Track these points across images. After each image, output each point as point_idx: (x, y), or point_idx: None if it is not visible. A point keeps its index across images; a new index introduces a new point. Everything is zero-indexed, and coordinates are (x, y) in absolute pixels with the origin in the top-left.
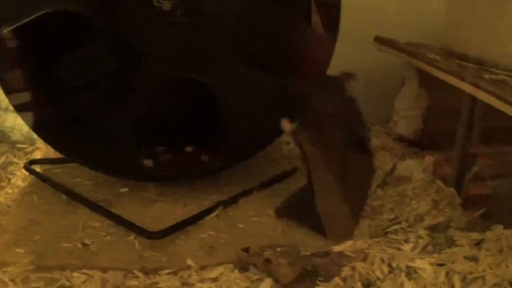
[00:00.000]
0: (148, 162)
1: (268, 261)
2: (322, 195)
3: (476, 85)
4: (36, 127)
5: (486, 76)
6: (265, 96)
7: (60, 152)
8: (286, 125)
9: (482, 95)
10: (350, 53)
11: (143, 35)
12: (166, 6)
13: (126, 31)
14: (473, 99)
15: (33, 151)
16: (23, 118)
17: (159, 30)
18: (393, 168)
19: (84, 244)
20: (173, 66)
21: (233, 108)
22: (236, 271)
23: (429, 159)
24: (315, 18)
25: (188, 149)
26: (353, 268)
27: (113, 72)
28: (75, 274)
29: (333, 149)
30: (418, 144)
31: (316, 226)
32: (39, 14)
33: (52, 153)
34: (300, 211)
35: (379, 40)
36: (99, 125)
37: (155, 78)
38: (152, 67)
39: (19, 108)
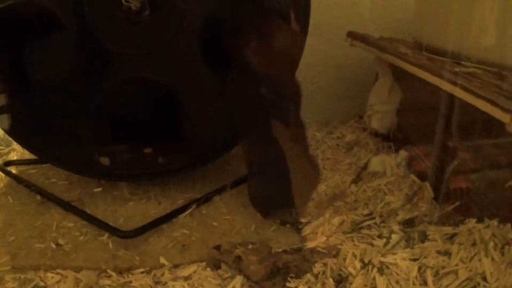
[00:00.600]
0: (104, 160)
1: (239, 258)
2: (294, 172)
3: (444, 78)
4: (4, 126)
5: (457, 69)
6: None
7: (29, 151)
8: None
9: (449, 88)
10: (322, 48)
11: (110, 33)
12: (135, 5)
13: (92, 29)
14: (447, 93)
15: (8, 152)
16: None
17: (126, 29)
18: (367, 163)
19: (57, 244)
20: (136, 65)
21: (195, 110)
22: (208, 269)
23: (403, 153)
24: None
25: (147, 150)
26: (325, 264)
27: (76, 70)
28: (49, 274)
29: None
30: (392, 139)
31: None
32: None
33: (27, 154)
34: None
35: (352, 35)
36: (62, 123)
37: (118, 77)
38: (116, 66)
39: None
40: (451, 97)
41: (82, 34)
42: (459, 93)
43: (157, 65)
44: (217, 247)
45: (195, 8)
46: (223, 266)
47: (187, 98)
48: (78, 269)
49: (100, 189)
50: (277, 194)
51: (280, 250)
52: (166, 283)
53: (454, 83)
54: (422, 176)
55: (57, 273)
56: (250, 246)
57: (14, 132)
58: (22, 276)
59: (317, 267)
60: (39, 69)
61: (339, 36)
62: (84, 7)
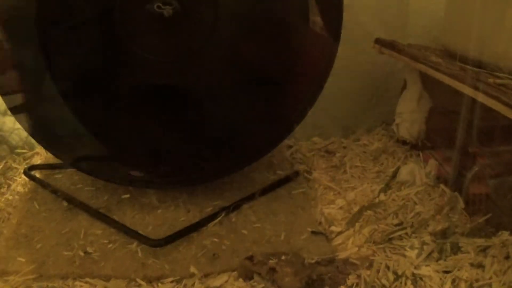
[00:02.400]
0: (135, 172)
1: (273, 270)
2: None
3: (481, 91)
4: (32, 131)
5: (490, 80)
6: (264, 102)
7: (57, 157)
8: None
9: (486, 100)
10: (348, 54)
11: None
12: (167, 12)
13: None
14: (474, 99)
15: (32, 156)
16: (19, 121)
17: (159, 36)
18: (396, 172)
19: (86, 252)
20: (168, 72)
21: (231, 115)
22: (240, 279)
23: (432, 162)
24: (315, 18)
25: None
26: (359, 276)
27: (107, 76)
28: (77, 283)
29: None
30: (420, 147)
31: None
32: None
33: (51, 158)
34: None
35: (380, 42)
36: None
37: (151, 84)
38: (147, 73)
39: (15, 111)
40: (473, 102)
41: (112, 41)
42: (496, 106)
43: (189, 73)
44: (250, 258)
45: (227, 15)
46: (255, 277)
47: (224, 103)
48: (107, 278)
49: (128, 195)
50: None
51: (313, 261)
52: None
53: (492, 96)
54: (443, 182)
55: (86, 282)
56: (283, 257)
57: (40, 136)
58: (50, 285)
59: (351, 279)
60: (67, 73)
61: (365, 42)
62: (116, 13)
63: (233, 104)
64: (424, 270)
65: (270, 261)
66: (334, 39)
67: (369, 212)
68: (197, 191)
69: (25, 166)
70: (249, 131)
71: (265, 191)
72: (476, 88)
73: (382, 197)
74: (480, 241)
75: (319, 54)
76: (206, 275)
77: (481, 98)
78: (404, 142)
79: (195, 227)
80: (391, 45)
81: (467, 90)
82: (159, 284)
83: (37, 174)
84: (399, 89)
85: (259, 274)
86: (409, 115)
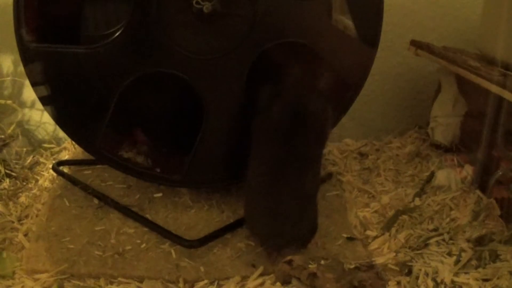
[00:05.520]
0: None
1: (313, 275)
2: None
3: None
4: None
5: None
6: None
7: (89, 153)
8: None
9: None
10: (381, 55)
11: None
12: (206, 8)
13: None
14: (501, 103)
15: (60, 151)
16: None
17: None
18: (431, 176)
19: (118, 252)
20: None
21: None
22: (278, 283)
23: (468, 168)
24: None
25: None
26: (399, 283)
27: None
28: (110, 283)
29: None
30: (454, 151)
31: None
32: None
33: (80, 153)
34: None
35: (415, 44)
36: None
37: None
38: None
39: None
40: (501, 107)
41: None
42: None
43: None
44: (288, 262)
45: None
46: (294, 281)
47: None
48: (140, 279)
49: (160, 194)
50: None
51: (352, 266)
52: None
53: None
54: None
55: (119, 282)
56: (322, 262)
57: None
58: (81, 284)
59: (391, 286)
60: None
61: (398, 44)
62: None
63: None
64: (463, 278)
65: (310, 266)
66: (371, 46)
67: (404, 216)
68: (231, 192)
69: (53, 162)
70: None
71: None
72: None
73: (417, 201)
74: None
75: (356, 61)
76: (243, 278)
77: None
78: (438, 146)
79: (230, 228)
80: (427, 47)
81: (506, 95)
82: (194, 286)
83: (65, 170)
84: (432, 92)
85: (298, 278)
86: (444, 119)
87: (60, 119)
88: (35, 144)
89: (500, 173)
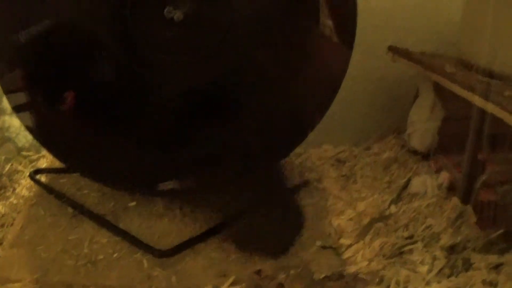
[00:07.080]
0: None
1: (281, 285)
2: None
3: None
4: (36, 132)
5: (507, 93)
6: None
7: (61, 162)
8: None
9: (503, 115)
10: (360, 59)
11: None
12: (178, 16)
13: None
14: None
15: (38, 159)
16: (22, 121)
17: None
18: (407, 183)
19: (90, 261)
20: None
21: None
22: None
23: (444, 174)
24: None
25: None
26: None
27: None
28: None
29: None
30: (432, 157)
31: None
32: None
33: (57, 161)
34: None
35: (394, 50)
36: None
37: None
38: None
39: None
40: (483, 110)
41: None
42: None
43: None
44: (258, 272)
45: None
46: None
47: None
48: None
49: (134, 203)
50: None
51: (322, 276)
52: None
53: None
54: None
55: None
56: (292, 272)
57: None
58: None
59: None
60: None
61: (378, 48)
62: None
63: (244, 110)
64: (435, 287)
65: (279, 276)
66: (348, 45)
67: (379, 224)
68: (204, 200)
69: (31, 170)
70: (261, 137)
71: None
72: (493, 102)
73: (393, 208)
74: (493, 258)
75: (333, 60)
76: None
77: (496, 112)
78: (415, 152)
79: (203, 238)
80: (405, 53)
81: (482, 104)
82: None
83: (42, 177)
84: (412, 96)
85: None
86: (422, 124)
87: None
88: (15, 152)
89: (484, 177)
